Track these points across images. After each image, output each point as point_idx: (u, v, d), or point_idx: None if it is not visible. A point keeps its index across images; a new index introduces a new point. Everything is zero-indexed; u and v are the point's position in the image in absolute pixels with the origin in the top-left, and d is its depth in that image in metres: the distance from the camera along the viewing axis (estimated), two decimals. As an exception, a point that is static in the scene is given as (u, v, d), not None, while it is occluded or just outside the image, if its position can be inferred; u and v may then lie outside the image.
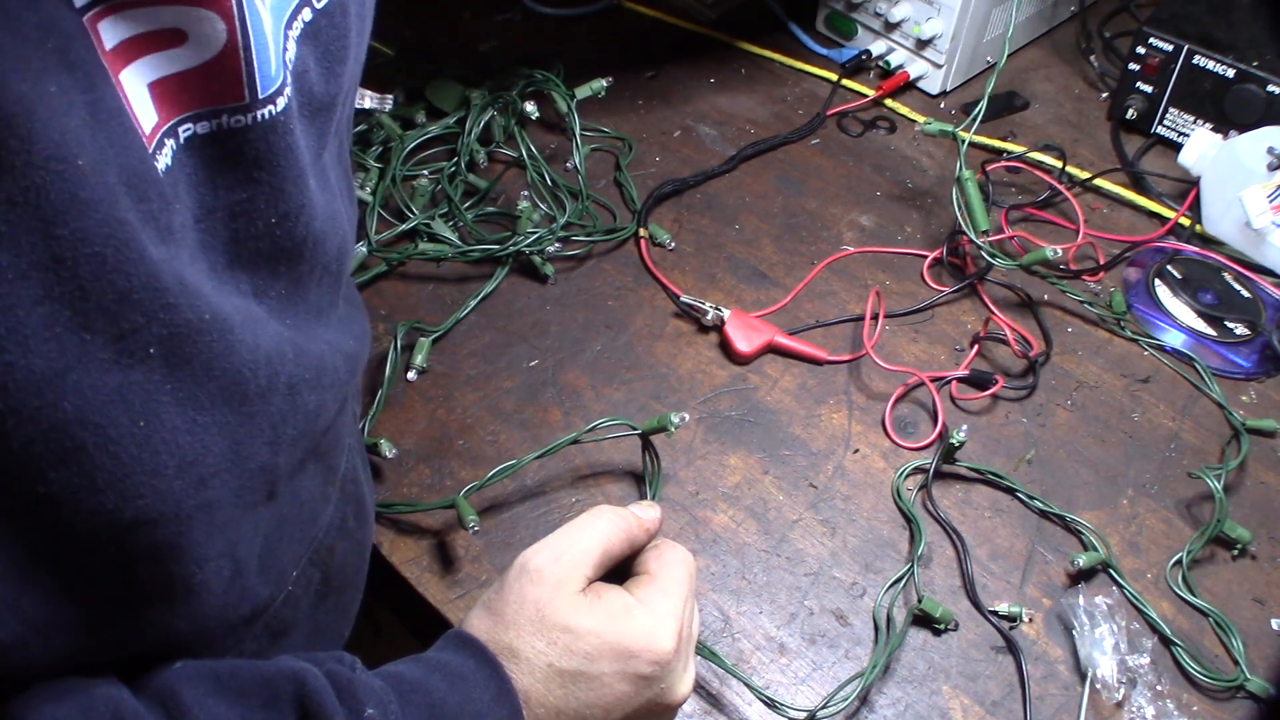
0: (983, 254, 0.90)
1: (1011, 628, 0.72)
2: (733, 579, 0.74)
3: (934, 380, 0.85)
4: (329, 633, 0.61)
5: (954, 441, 0.78)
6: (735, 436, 0.82)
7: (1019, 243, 0.95)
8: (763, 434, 0.82)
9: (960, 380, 0.86)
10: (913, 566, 0.74)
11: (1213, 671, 0.70)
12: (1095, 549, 0.75)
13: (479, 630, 0.55)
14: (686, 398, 0.84)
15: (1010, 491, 0.79)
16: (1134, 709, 0.68)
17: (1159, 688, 0.69)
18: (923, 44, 1.11)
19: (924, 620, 0.72)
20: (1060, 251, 0.88)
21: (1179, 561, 0.75)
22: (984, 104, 0.92)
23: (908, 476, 0.80)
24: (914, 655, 0.71)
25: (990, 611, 0.72)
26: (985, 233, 0.90)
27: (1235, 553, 0.77)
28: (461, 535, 0.74)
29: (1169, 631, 0.72)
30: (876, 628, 0.72)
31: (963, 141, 0.93)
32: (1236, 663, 0.70)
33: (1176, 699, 0.69)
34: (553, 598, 0.55)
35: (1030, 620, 0.72)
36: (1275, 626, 0.73)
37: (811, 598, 0.73)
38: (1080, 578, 0.74)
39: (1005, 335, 0.88)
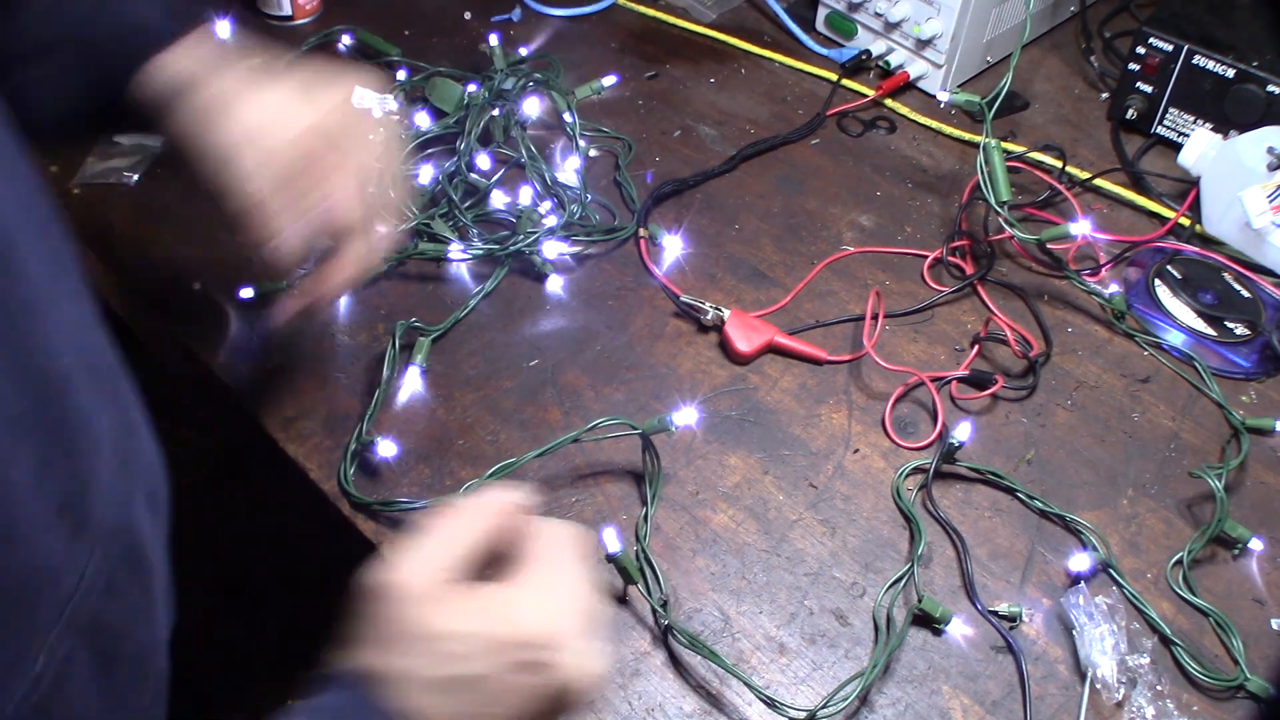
0: (1003, 223, 0.90)
1: (1011, 628, 0.72)
2: (733, 579, 0.74)
3: (934, 380, 0.85)
4: (131, 708, 0.56)
5: (954, 441, 0.78)
6: (735, 436, 0.82)
7: (1019, 241, 0.95)
8: (763, 434, 0.82)
9: (960, 380, 0.86)
10: (913, 566, 0.74)
11: (1213, 671, 0.70)
12: (1095, 549, 0.75)
13: (351, 662, 0.52)
14: (687, 398, 0.84)
15: (1010, 491, 0.79)
16: (1134, 709, 0.68)
17: (1159, 688, 0.69)
18: (923, 44, 1.11)
19: (924, 620, 0.72)
20: (1085, 222, 0.88)
21: (1179, 561, 0.75)
22: (1007, 82, 0.94)
23: (908, 476, 0.80)
24: (914, 655, 0.71)
25: (990, 611, 0.72)
26: (1006, 203, 0.90)
27: (1236, 552, 0.77)
28: (461, 535, 0.74)
29: (1169, 631, 0.72)
30: (876, 628, 0.72)
31: (988, 110, 0.94)
32: (1236, 663, 0.70)
33: (1176, 699, 0.69)
34: (413, 611, 0.51)
35: (1030, 620, 0.72)
36: (1275, 626, 0.73)
37: (811, 598, 0.73)
38: (1080, 578, 0.74)
39: (1005, 335, 0.88)
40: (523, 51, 1.13)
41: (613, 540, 0.69)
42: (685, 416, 0.75)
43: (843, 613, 0.73)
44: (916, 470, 0.80)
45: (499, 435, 0.81)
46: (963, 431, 0.78)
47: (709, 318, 0.88)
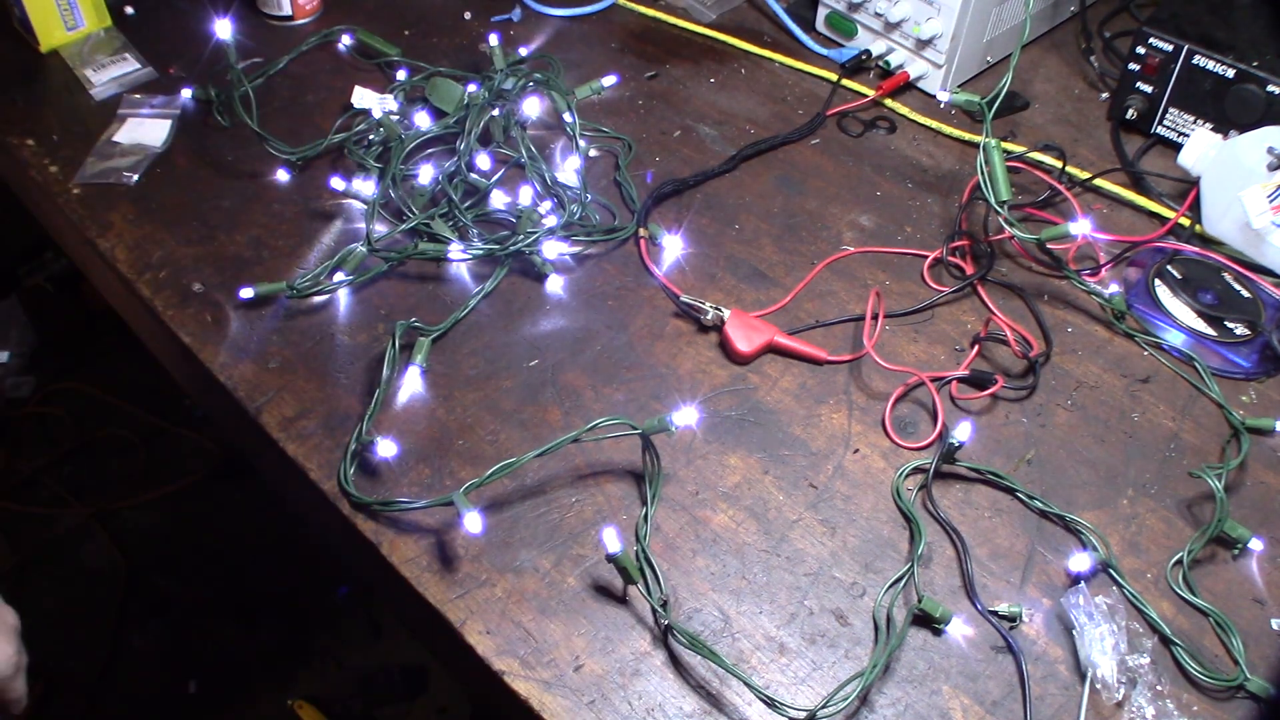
0: (1003, 223, 0.90)
1: (1011, 628, 0.72)
2: (733, 579, 0.74)
3: (934, 380, 0.85)
4: None
5: (954, 441, 0.78)
6: (735, 436, 0.82)
7: (1019, 241, 0.95)
8: (763, 434, 0.82)
9: (960, 380, 0.86)
10: (913, 566, 0.73)
11: (1213, 671, 0.70)
12: (1095, 549, 0.75)
13: None
14: (687, 398, 0.84)
15: (1010, 491, 0.79)
16: (1134, 709, 0.68)
17: (1159, 688, 0.69)
18: (923, 44, 1.11)
19: (924, 620, 0.71)
20: (1085, 222, 0.88)
21: (1179, 561, 0.75)
22: (1007, 82, 0.94)
23: (908, 476, 0.80)
24: (914, 655, 0.71)
25: (990, 611, 0.72)
26: (1006, 203, 0.90)
27: (1236, 552, 0.77)
28: (461, 535, 0.74)
29: (1169, 631, 0.72)
30: (876, 628, 0.72)
31: (988, 110, 0.94)
32: (1236, 663, 0.70)
33: (1176, 699, 0.69)
34: None
35: (1030, 620, 0.72)
36: (1275, 626, 0.73)
37: (811, 598, 0.73)
38: (1080, 578, 0.74)
39: (1005, 335, 0.88)
40: (523, 51, 1.13)
41: (613, 540, 0.69)
42: (685, 416, 0.75)
43: (843, 613, 0.73)
44: (916, 470, 0.80)
45: (499, 435, 0.81)
46: (963, 431, 0.78)
47: (709, 318, 0.88)
